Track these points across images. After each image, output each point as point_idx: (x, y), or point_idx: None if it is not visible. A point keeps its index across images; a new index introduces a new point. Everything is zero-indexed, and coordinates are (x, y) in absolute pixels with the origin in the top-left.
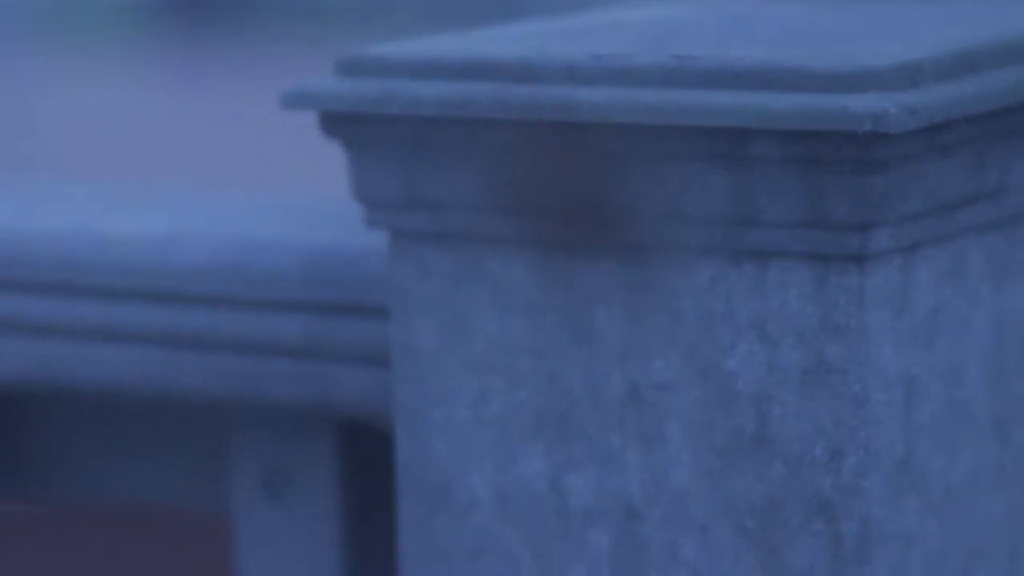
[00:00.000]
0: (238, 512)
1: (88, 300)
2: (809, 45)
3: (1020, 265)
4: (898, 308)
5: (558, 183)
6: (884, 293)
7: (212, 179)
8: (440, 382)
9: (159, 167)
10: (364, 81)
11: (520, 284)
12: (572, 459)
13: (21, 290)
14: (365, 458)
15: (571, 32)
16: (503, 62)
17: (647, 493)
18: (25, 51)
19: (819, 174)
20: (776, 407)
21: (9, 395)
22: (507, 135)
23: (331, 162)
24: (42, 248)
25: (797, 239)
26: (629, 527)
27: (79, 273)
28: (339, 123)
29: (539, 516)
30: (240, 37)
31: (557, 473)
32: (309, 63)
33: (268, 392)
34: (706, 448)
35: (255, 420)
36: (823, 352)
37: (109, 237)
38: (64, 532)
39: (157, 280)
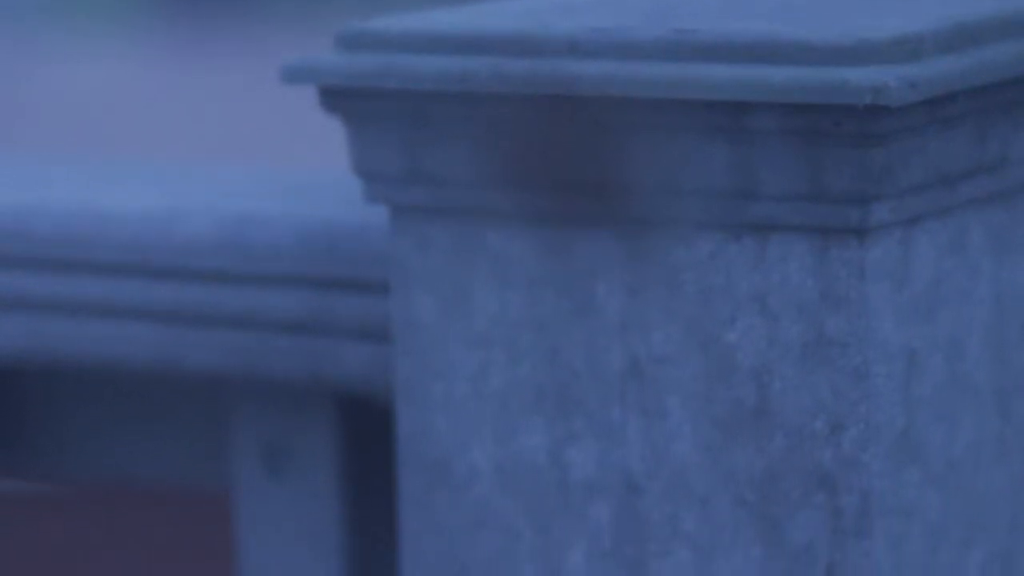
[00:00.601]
0: (239, 488)
1: (88, 276)
2: (809, 18)
3: (1021, 238)
4: (899, 281)
5: (558, 157)
6: (884, 266)
7: (212, 155)
8: (440, 356)
9: (160, 143)
10: (364, 56)
11: (520, 258)
12: (572, 433)
13: (22, 266)
14: (365, 433)
15: (571, 6)
16: (503, 36)
17: (647, 466)
18: (27, 30)
19: (819, 147)
20: (776, 380)
21: (10, 371)
22: (507, 109)
23: (331, 137)
24: (43, 224)
25: (797, 212)
26: (629, 500)
27: (80, 249)
28: (339, 97)
29: (539, 490)
30: (240, 14)
31: (557, 447)
32: (310, 40)
33: (268, 368)
34: (706, 421)
35: (255, 396)
36: (823, 325)
37: (110, 213)
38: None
39: (157, 256)
